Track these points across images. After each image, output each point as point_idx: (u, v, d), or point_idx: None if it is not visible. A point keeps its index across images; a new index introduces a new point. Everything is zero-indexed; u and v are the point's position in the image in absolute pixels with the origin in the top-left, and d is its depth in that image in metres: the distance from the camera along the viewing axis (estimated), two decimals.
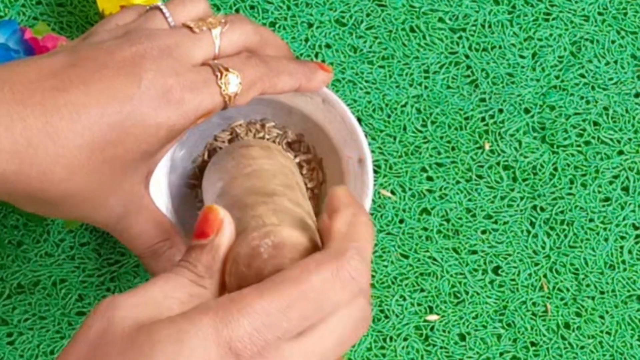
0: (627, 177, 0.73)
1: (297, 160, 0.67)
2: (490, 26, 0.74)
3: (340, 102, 0.63)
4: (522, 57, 0.74)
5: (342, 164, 0.65)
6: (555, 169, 0.73)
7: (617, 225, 0.73)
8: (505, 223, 0.73)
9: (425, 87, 0.73)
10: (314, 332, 0.45)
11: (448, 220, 0.73)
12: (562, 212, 0.73)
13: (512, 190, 0.73)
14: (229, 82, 0.57)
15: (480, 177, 0.73)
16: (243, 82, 0.57)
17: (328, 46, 0.73)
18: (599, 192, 0.73)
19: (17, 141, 0.52)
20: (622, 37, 0.74)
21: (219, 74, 0.57)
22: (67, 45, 0.58)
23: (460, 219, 0.73)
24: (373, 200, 0.72)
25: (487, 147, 0.73)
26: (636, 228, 0.73)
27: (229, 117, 0.67)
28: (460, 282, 0.72)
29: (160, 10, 0.59)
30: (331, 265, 0.45)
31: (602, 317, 0.73)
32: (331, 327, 0.45)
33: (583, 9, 0.74)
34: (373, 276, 0.72)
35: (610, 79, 0.74)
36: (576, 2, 0.74)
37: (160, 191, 0.65)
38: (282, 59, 0.60)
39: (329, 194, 0.49)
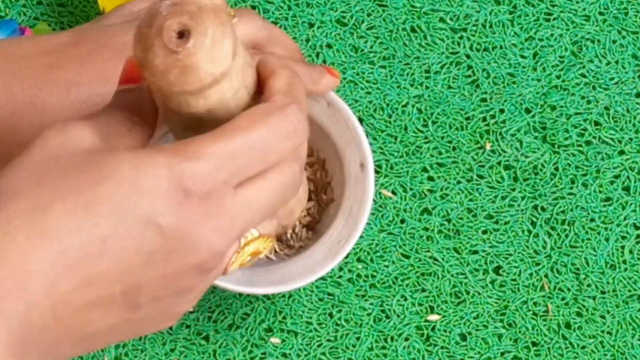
0: (628, 177, 0.73)
1: None
2: (491, 26, 0.74)
3: (345, 106, 0.63)
4: (523, 57, 0.74)
5: (344, 167, 0.65)
6: (556, 169, 0.73)
7: (618, 225, 0.73)
8: (506, 223, 0.73)
9: (426, 87, 0.73)
10: (260, 181, 0.46)
11: (449, 220, 0.73)
12: (563, 211, 0.73)
13: (513, 190, 0.73)
14: None
15: (481, 177, 0.73)
16: None
17: (329, 46, 0.73)
18: (600, 191, 0.73)
19: (1, 107, 0.52)
20: (623, 37, 0.74)
21: None
22: (77, 27, 0.58)
23: (461, 218, 0.73)
24: (374, 201, 0.72)
25: (488, 147, 0.73)
26: (637, 228, 0.73)
27: None
28: (461, 282, 0.72)
29: None
30: (278, 116, 0.46)
31: (603, 317, 0.73)
32: (269, 182, 0.47)
33: (584, 9, 0.74)
34: (374, 276, 0.72)
35: (611, 78, 0.74)
36: (577, 2, 0.74)
37: None
38: (289, 62, 0.60)
39: (263, 59, 0.49)
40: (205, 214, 0.45)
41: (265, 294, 0.65)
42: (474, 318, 0.72)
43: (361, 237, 0.72)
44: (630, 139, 0.74)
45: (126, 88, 0.48)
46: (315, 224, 0.68)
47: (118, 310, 0.45)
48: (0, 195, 0.44)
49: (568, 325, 0.73)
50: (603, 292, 0.73)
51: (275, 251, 0.68)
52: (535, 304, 0.73)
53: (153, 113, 0.48)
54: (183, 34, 0.44)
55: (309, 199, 0.67)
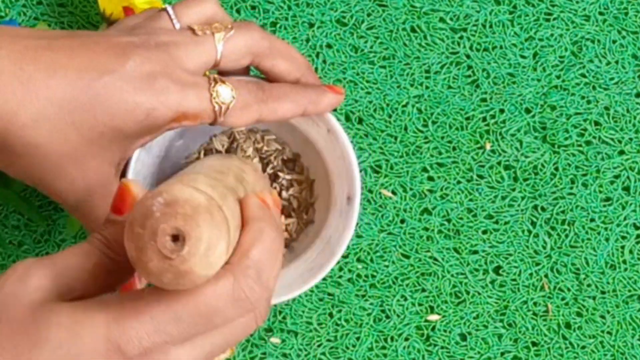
0: (628, 177, 0.73)
1: (289, 177, 0.67)
2: (491, 26, 0.74)
3: (344, 137, 0.62)
4: (523, 57, 0.74)
5: (331, 195, 0.64)
6: (556, 169, 0.73)
7: (618, 225, 0.73)
8: (506, 223, 0.73)
9: (426, 87, 0.73)
10: (201, 339, 0.47)
11: (449, 220, 0.73)
12: (563, 212, 0.73)
13: (513, 190, 0.73)
14: (220, 92, 0.57)
15: (481, 177, 0.73)
16: (237, 99, 0.57)
17: (329, 46, 0.73)
18: (600, 192, 0.73)
19: None
20: (623, 37, 0.74)
21: (212, 83, 0.57)
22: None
23: (461, 219, 0.73)
24: (374, 201, 0.72)
25: (488, 147, 0.73)
26: (637, 228, 0.73)
27: None
28: (461, 282, 0.72)
29: (167, 12, 0.59)
30: (227, 283, 0.46)
31: (603, 316, 0.73)
32: (218, 337, 0.47)
33: (584, 9, 0.74)
34: (374, 276, 0.72)
35: (611, 78, 0.74)
36: (577, 2, 0.74)
37: (146, 177, 0.64)
38: (284, 85, 0.60)
39: (243, 203, 0.49)
40: None
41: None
42: (474, 318, 0.72)
43: (361, 237, 0.73)
44: (630, 139, 0.74)
45: (112, 219, 0.48)
46: (291, 241, 0.67)
47: None
48: None
49: (568, 325, 0.73)
50: (603, 292, 0.73)
51: None
52: (535, 304, 0.73)
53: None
54: (177, 237, 0.44)
55: (289, 216, 0.67)
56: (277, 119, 0.59)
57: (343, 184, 0.63)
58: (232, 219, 0.47)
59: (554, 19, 0.74)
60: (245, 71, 0.62)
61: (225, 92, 0.57)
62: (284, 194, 0.67)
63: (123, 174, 0.60)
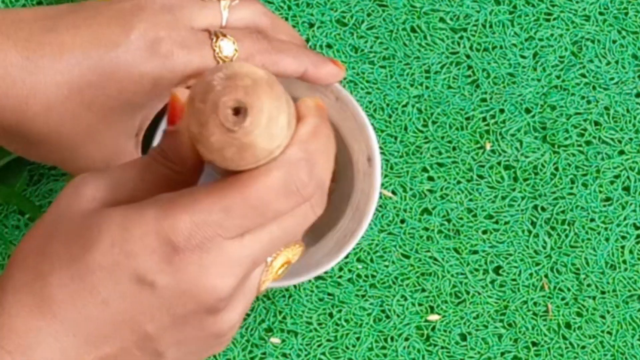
0: (628, 177, 0.73)
1: None
2: (491, 26, 0.74)
3: (353, 100, 0.63)
4: (523, 57, 0.74)
5: (352, 161, 0.65)
6: (556, 169, 0.73)
7: (618, 225, 0.73)
8: (506, 223, 0.73)
9: (426, 87, 0.73)
10: (254, 234, 0.46)
11: (449, 220, 0.73)
12: (563, 212, 0.73)
13: (513, 190, 0.73)
14: (223, 46, 0.57)
15: (481, 177, 0.73)
16: (240, 51, 0.57)
17: (329, 46, 0.73)
18: (600, 192, 0.73)
19: None
20: (623, 37, 0.74)
21: (214, 38, 0.57)
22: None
23: (461, 219, 0.73)
24: (380, 197, 0.72)
25: (488, 147, 0.73)
26: (637, 228, 0.73)
27: None
28: (461, 282, 0.72)
29: None
30: (279, 174, 0.45)
31: (603, 317, 0.73)
32: (270, 232, 0.46)
33: (584, 9, 0.74)
34: (374, 276, 0.72)
35: (612, 78, 0.74)
36: (577, 2, 0.74)
37: None
38: (289, 42, 0.60)
39: (300, 100, 0.48)
40: (199, 265, 0.45)
41: (275, 287, 0.64)
42: (474, 318, 0.72)
43: (361, 236, 0.73)
44: (630, 139, 0.74)
45: (168, 130, 0.48)
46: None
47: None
48: (11, 263, 0.46)
49: (568, 325, 0.73)
50: (603, 292, 0.73)
51: None
52: (535, 304, 0.73)
53: (192, 158, 0.47)
54: (239, 110, 0.43)
55: None
56: (277, 72, 0.59)
57: (361, 147, 0.64)
58: (289, 108, 0.46)
59: (554, 19, 0.74)
60: None
61: (227, 46, 0.57)
62: None
63: (147, 145, 0.61)
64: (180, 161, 0.47)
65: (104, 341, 0.45)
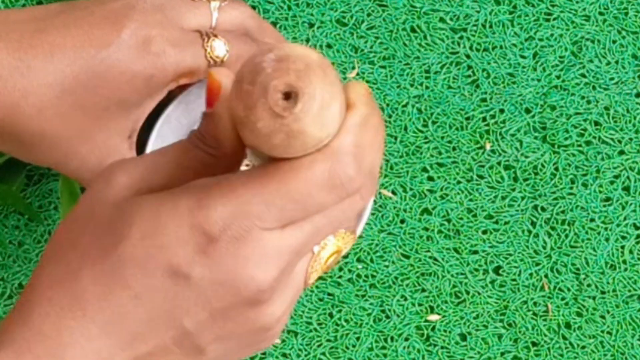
0: (628, 177, 0.73)
1: None
2: (491, 26, 0.74)
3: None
4: (523, 57, 0.74)
5: None
6: (556, 169, 0.73)
7: (618, 225, 0.73)
8: (506, 223, 0.73)
9: (426, 87, 0.73)
10: (294, 227, 0.44)
11: (449, 220, 0.73)
12: (563, 211, 0.73)
13: (513, 190, 0.73)
14: (215, 46, 0.57)
15: (481, 177, 0.73)
16: (230, 53, 0.57)
17: (329, 46, 0.73)
18: (600, 192, 0.73)
19: None
20: (623, 37, 0.74)
21: (206, 38, 0.57)
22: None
23: (461, 219, 0.73)
24: (374, 201, 0.72)
25: (488, 147, 0.73)
26: (637, 228, 0.73)
27: None
28: (461, 282, 0.72)
29: None
30: (323, 168, 0.43)
31: (603, 317, 0.73)
32: (314, 222, 0.44)
33: (584, 9, 0.74)
34: (374, 276, 0.72)
35: (611, 78, 0.74)
36: (577, 2, 0.74)
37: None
38: (276, 43, 0.60)
39: (348, 85, 0.45)
40: (235, 255, 0.43)
41: None
42: (474, 318, 0.72)
43: (361, 237, 0.73)
44: (630, 139, 0.74)
45: (205, 114, 0.45)
46: None
47: (180, 357, 0.45)
48: (43, 257, 0.45)
49: (568, 325, 0.73)
50: (603, 292, 0.73)
51: None
52: (535, 304, 0.73)
53: (233, 143, 0.45)
54: (289, 95, 0.41)
55: None
56: None
57: None
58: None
59: (554, 19, 0.74)
60: None
61: (219, 46, 0.57)
62: None
63: (142, 146, 0.61)
64: (219, 145, 0.44)
65: (139, 339, 0.44)
